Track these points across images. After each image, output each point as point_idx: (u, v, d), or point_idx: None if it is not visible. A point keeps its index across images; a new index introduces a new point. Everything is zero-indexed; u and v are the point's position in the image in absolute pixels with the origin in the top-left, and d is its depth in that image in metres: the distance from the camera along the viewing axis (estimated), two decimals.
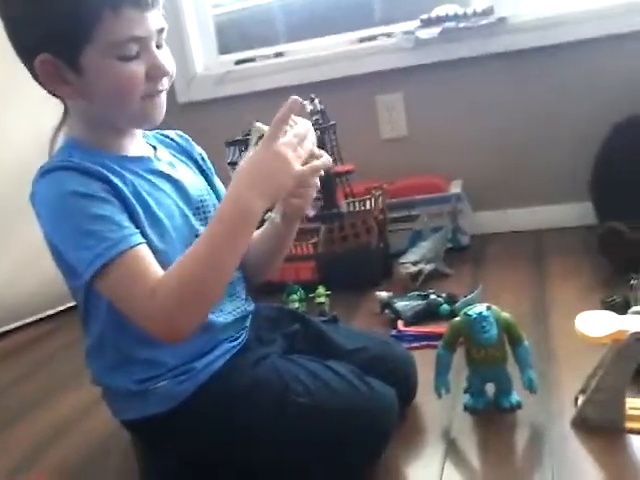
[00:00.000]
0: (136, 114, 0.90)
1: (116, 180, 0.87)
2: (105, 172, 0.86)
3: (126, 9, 0.82)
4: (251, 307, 1.06)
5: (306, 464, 0.92)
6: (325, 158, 0.92)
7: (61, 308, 1.95)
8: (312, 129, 0.91)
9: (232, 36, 2.38)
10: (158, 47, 0.89)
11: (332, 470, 0.93)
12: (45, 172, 0.87)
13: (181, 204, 0.95)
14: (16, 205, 1.78)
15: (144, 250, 0.85)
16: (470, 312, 1.04)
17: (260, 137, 0.90)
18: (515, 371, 1.06)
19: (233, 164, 1.76)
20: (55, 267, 0.91)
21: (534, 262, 1.75)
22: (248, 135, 0.92)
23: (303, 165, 0.88)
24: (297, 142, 0.87)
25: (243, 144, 1.76)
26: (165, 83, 0.90)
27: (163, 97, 0.91)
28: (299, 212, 0.99)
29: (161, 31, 0.88)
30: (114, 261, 0.82)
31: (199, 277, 0.82)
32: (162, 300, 0.81)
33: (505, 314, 1.06)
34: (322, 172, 0.93)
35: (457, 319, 1.08)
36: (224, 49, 2.34)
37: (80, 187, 0.83)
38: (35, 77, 0.88)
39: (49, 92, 0.90)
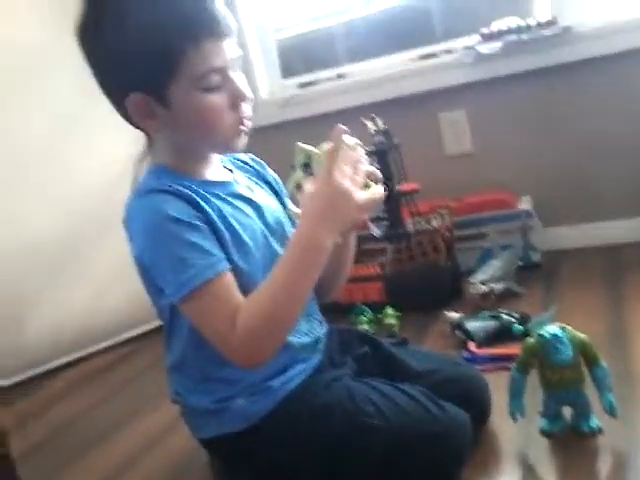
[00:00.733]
0: (221, 142, 0.95)
1: (205, 205, 0.91)
2: (195, 197, 0.90)
3: (206, 43, 0.86)
4: (325, 328, 1.07)
5: None
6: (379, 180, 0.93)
7: (143, 329, 2.00)
8: (360, 149, 0.92)
9: (295, 60, 2.42)
10: (236, 74, 0.92)
11: None
12: (140, 194, 0.91)
13: (262, 226, 0.98)
14: (92, 228, 1.89)
15: (229, 277, 0.89)
16: (544, 333, 1.02)
17: (306, 159, 0.92)
18: (594, 394, 1.02)
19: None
20: (136, 289, 0.95)
21: (610, 279, 1.68)
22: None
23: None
24: (352, 170, 0.88)
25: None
26: (247, 110, 0.93)
27: (248, 124, 0.94)
28: (355, 229, 0.99)
29: (237, 59, 0.92)
30: (200, 288, 0.86)
31: (276, 309, 0.86)
32: (241, 330, 0.85)
33: (580, 334, 1.03)
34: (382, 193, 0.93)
35: (530, 340, 1.05)
36: (287, 73, 2.38)
37: (174, 212, 0.87)
38: (123, 114, 0.92)
39: (135, 126, 0.94)
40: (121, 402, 1.62)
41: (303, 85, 2.31)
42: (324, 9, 2.34)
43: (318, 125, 2.20)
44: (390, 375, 1.04)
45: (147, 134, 0.98)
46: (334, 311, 1.13)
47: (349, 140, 0.90)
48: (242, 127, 0.93)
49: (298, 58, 2.42)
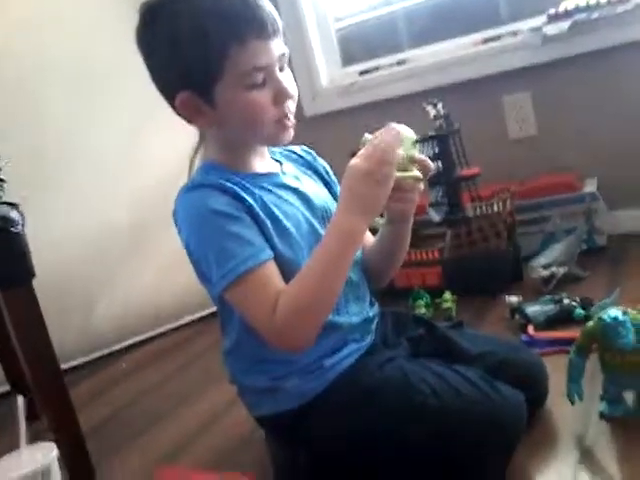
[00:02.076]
0: (266, 137, 0.98)
1: (248, 197, 0.94)
2: (238, 190, 0.93)
3: (251, 42, 0.89)
4: (376, 310, 1.09)
5: (429, 466, 0.93)
6: (424, 165, 0.93)
7: (204, 312, 2.09)
8: (403, 134, 0.90)
9: (355, 47, 2.42)
10: (281, 70, 0.95)
11: (456, 475, 0.93)
12: (188, 189, 0.96)
13: (307, 214, 1.00)
14: (157, 218, 1.98)
15: (271, 266, 0.91)
16: (604, 316, 1.00)
17: None
18: None
19: None
20: (193, 275, 0.99)
21: None
22: None
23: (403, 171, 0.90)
24: (373, 151, 0.87)
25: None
26: (291, 106, 0.96)
27: (292, 119, 0.97)
28: (403, 216, 1.00)
29: (282, 56, 0.94)
30: (243, 277, 0.89)
31: (314, 290, 0.88)
32: (280, 315, 0.87)
33: None
34: (420, 176, 0.93)
35: (590, 323, 1.04)
36: (348, 61, 2.39)
37: (218, 205, 0.91)
38: (175, 111, 0.96)
39: (187, 122, 0.98)
40: (181, 383, 1.69)
41: (363, 72, 2.31)
42: None
43: (379, 112, 2.22)
44: (445, 357, 1.04)
45: (200, 132, 1.02)
46: (392, 295, 1.14)
47: (401, 129, 0.90)
48: (286, 122, 0.96)
49: (359, 46, 2.42)
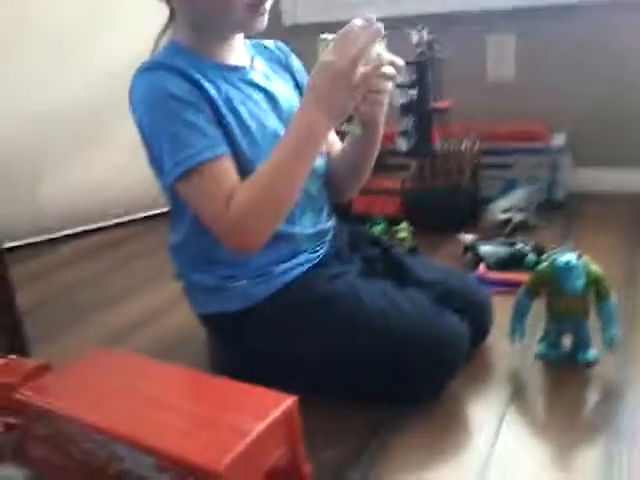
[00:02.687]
0: (238, 20, 0.90)
1: (211, 87, 0.88)
2: (200, 78, 0.88)
3: None
4: (332, 223, 1.06)
5: (368, 384, 0.93)
6: (390, 66, 0.86)
7: (154, 211, 2.03)
8: (375, 31, 0.83)
9: None
10: None
11: (393, 394, 0.93)
12: (146, 69, 0.89)
13: (272, 115, 0.96)
14: (118, 102, 1.88)
15: (226, 161, 0.87)
16: (558, 259, 1.00)
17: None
18: (596, 329, 1.02)
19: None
20: (149, 170, 0.94)
21: (631, 225, 1.65)
22: None
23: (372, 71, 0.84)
24: (344, 46, 0.82)
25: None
26: None
27: (266, 6, 0.90)
28: (373, 119, 0.95)
29: None
30: (195, 169, 0.85)
31: (270, 187, 0.85)
32: (234, 210, 0.84)
33: (595, 266, 1.01)
34: (388, 75, 0.87)
35: (544, 265, 1.04)
36: None
37: (176, 89, 0.85)
38: None
39: None
40: (125, 276, 1.66)
41: None
42: None
43: None
44: (397, 280, 1.04)
45: (170, 9, 0.95)
46: (349, 219, 1.12)
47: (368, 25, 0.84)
48: (260, 9, 0.89)
49: None
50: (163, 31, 0.97)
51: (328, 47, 0.85)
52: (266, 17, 0.91)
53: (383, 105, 0.92)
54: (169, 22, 0.97)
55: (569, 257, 1.00)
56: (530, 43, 1.98)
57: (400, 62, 0.87)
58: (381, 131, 0.98)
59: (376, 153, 1.02)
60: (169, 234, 1.04)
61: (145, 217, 2.05)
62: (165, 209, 1.91)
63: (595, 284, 1.01)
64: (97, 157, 1.97)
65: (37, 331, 1.27)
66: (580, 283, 0.98)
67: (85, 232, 1.99)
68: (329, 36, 0.86)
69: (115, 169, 1.98)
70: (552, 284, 1.02)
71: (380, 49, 0.85)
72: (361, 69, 0.82)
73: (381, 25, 0.84)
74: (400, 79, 0.90)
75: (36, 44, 1.82)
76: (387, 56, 0.86)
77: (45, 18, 1.83)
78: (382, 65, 0.85)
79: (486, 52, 2.04)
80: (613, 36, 1.88)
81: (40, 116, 1.85)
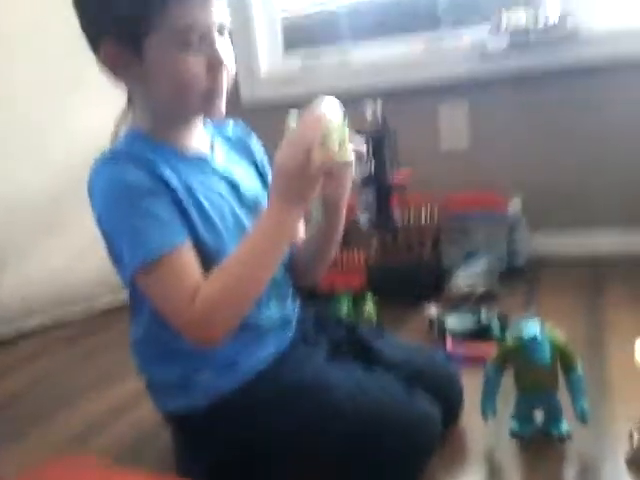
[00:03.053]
0: (194, 108, 0.90)
1: (172, 176, 0.87)
2: (162, 167, 0.87)
3: None
4: (297, 308, 1.05)
5: (340, 473, 0.90)
6: (352, 149, 0.86)
7: (115, 300, 1.96)
8: (330, 118, 0.84)
9: (298, 38, 2.38)
10: (220, 40, 0.88)
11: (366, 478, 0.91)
12: (105, 160, 0.88)
13: (234, 204, 0.95)
14: (77, 191, 1.86)
15: (187, 252, 0.86)
16: (522, 332, 1.00)
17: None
18: (566, 399, 1.01)
19: None
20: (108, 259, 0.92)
21: (591, 288, 1.68)
22: None
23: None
24: (298, 137, 0.83)
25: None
26: (224, 78, 0.89)
27: (223, 95, 0.90)
28: (336, 202, 0.95)
29: (223, 26, 0.88)
30: (157, 261, 0.83)
31: (237, 283, 0.84)
32: (199, 304, 0.82)
33: (560, 338, 1.01)
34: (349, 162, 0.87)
35: (509, 339, 1.04)
36: (289, 51, 2.35)
37: (135, 179, 0.84)
38: (101, 61, 0.88)
39: (113, 76, 0.90)
40: (87, 370, 1.59)
41: (305, 64, 2.27)
42: None
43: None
44: (364, 361, 1.02)
45: (128, 96, 0.94)
46: (314, 296, 1.12)
47: (329, 108, 0.85)
48: (216, 97, 0.89)
49: (302, 37, 2.39)
50: (122, 118, 0.97)
51: (294, 124, 0.86)
52: (223, 104, 0.91)
53: (346, 187, 0.93)
54: (127, 109, 0.96)
55: (533, 329, 1.00)
56: (481, 111, 2.05)
57: (362, 148, 0.88)
58: (343, 214, 0.98)
59: (339, 236, 1.02)
60: (130, 329, 1.01)
61: (107, 309, 2.00)
62: (121, 300, 1.91)
63: (561, 355, 1.01)
64: (57, 244, 1.93)
65: None
66: (546, 355, 0.98)
67: (45, 324, 1.92)
68: (297, 112, 0.86)
69: (75, 256, 1.94)
70: (519, 358, 1.01)
71: (342, 132, 0.85)
72: (319, 155, 0.82)
73: (333, 109, 0.85)
74: (359, 166, 0.90)
75: None
76: (350, 141, 0.86)
77: (10, 104, 1.82)
78: (340, 149, 0.84)
79: (439, 122, 2.10)
80: (562, 104, 1.95)
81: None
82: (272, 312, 0.98)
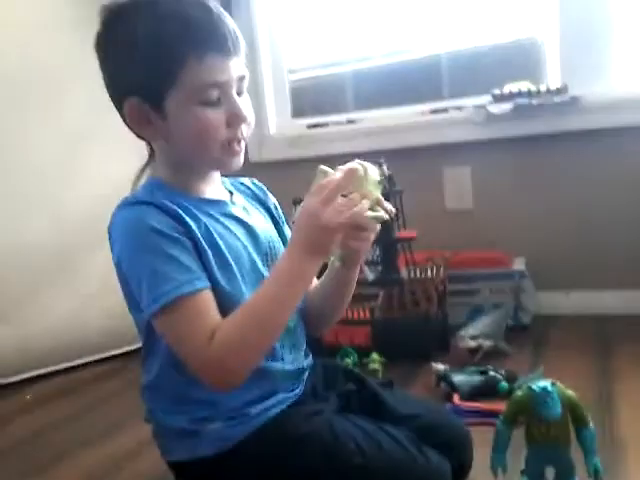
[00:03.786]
0: (215, 159, 0.93)
1: (190, 221, 0.89)
2: (181, 212, 0.89)
3: (209, 56, 0.86)
4: (310, 360, 1.05)
5: None
6: (381, 211, 0.88)
7: (124, 349, 1.97)
8: (366, 174, 0.86)
9: (305, 101, 2.45)
10: (239, 94, 0.91)
11: None
12: (126, 204, 0.90)
13: (250, 249, 0.96)
14: (89, 239, 1.87)
15: (207, 295, 0.86)
16: (534, 386, 1.00)
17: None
18: (578, 456, 0.99)
19: None
20: (118, 308, 0.93)
21: (599, 347, 1.68)
22: None
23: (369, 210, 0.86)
24: (327, 192, 0.84)
25: None
26: (244, 131, 0.92)
27: (242, 145, 0.94)
28: (356, 256, 0.96)
29: (242, 78, 0.91)
30: (176, 303, 0.84)
31: (254, 330, 0.84)
32: (216, 347, 0.83)
33: (570, 392, 1.01)
34: (380, 218, 0.89)
35: (519, 392, 1.03)
36: (297, 113, 2.41)
37: (156, 224, 0.86)
38: (124, 119, 0.92)
39: (136, 134, 0.94)
40: (90, 420, 1.57)
41: (311, 126, 2.33)
42: (338, 56, 2.40)
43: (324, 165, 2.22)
44: (374, 415, 1.01)
45: (149, 147, 0.98)
46: (319, 351, 1.11)
47: (367, 167, 0.87)
48: (236, 147, 0.92)
49: (309, 101, 2.46)
50: (143, 168, 0.99)
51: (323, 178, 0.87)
52: (242, 156, 0.94)
53: (368, 242, 0.93)
54: (148, 160, 0.99)
55: (543, 383, 0.99)
56: (485, 173, 2.09)
57: (392, 209, 0.90)
58: (358, 269, 1.00)
59: (352, 289, 1.03)
60: (142, 374, 1.00)
61: (112, 356, 1.99)
62: (130, 347, 1.91)
63: (572, 410, 0.99)
64: (67, 292, 1.93)
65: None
66: (557, 409, 0.97)
67: (49, 374, 1.90)
68: (329, 170, 0.88)
69: (81, 306, 1.94)
70: (530, 411, 1.00)
71: (377, 191, 0.88)
72: (360, 201, 0.84)
73: (370, 168, 0.88)
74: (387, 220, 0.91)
75: (13, 177, 1.85)
76: (383, 200, 0.88)
77: (25, 154, 1.86)
78: (375, 206, 0.87)
79: (443, 183, 2.14)
80: (564, 167, 2.00)
81: (8, 250, 1.83)
82: (286, 361, 0.98)
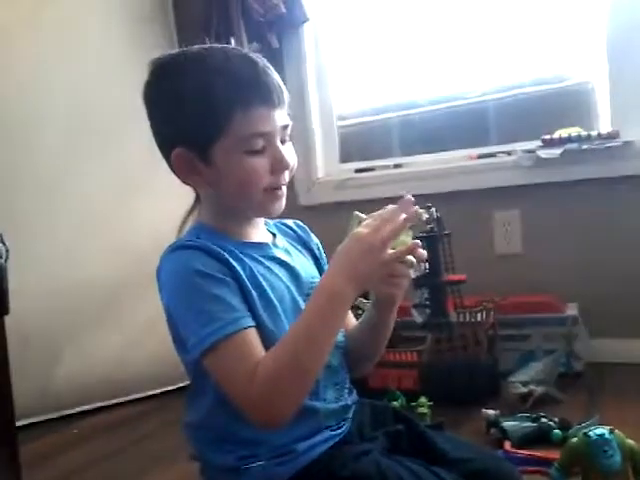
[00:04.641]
0: (258, 204, 0.95)
1: (235, 263, 0.91)
2: (226, 255, 0.90)
3: (255, 107, 0.89)
4: (354, 397, 1.04)
5: None
6: (418, 253, 0.88)
7: (166, 388, 1.99)
8: (401, 220, 0.86)
9: (353, 147, 2.48)
10: (282, 142, 0.94)
11: None
12: (174, 249, 0.93)
13: (293, 289, 0.97)
14: (136, 281, 1.92)
15: (252, 334, 0.87)
16: (590, 433, 0.97)
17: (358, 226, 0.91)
18: None
19: None
20: (163, 347, 0.95)
21: None
22: None
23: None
24: (379, 224, 0.85)
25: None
26: (287, 176, 0.95)
27: (284, 190, 0.96)
28: (390, 300, 0.96)
29: (286, 127, 0.94)
30: (222, 342, 0.85)
31: (294, 358, 0.84)
32: (260, 384, 0.83)
33: (631, 441, 0.97)
34: (414, 265, 0.89)
35: (575, 440, 1.00)
36: (344, 158, 2.44)
37: (202, 267, 0.88)
38: (171, 167, 0.96)
39: (182, 181, 0.97)
40: (135, 457, 1.59)
41: (359, 170, 2.36)
42: (385, 102, 2.43)
43: (370, 209, 2.22)
44: (422, 457, 0.98)
45: (195, 194, 1.01)
46: (366, 394, 1.10)
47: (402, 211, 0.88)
48: (278, 192, 0.95)
49: (356, 146, 2.49)
50: (189, 213, 1.02)
51: (360, 224, 0.89)
52: (284, 200, 0.97)
53: (402, 288, 0.94)
54: (194, 205, 1.02)
55: (601, 431, 0.96)
56: (535, 217, 2.07)
57: (424, 252, 0.90)
58: (395, 311, 0.99)
59: (389, 334, 1.03)
60: (186, 413, 1.01)
61: (154, 394, 2.02)
62: (172, 387, 1.92)
63: (632, 459, 0.96)
64: (114, 331, 1.98)
65: None
66: (617, 459, 0.94)
67: (94, 410, 1.94)
68: (362, 215, 0.90)
69: (129, 344, 1.98)
70: (586, 460, 0.97)
71: (409, 237, 0.89)
72: (389, 250, 0.85)
73: (416, 211, 0.89)
74: (421, 269, 0.92)
75: (64, 220, 1.92)
76: (412, 243, 0.89)
77: (74, 195, 1.94)
78: (408, 252, 0.88)
79: (493, 227, 2.13)
80: (617, 209, 1.96)
81: (61, 291, 1.89)
82: (329, 399, 0.97)
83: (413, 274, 0.93)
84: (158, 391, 2.01)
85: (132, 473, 1.46)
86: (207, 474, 0.99)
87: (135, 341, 1.97)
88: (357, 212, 0.92)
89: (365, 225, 0.87)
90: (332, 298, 0.86)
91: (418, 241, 0.90)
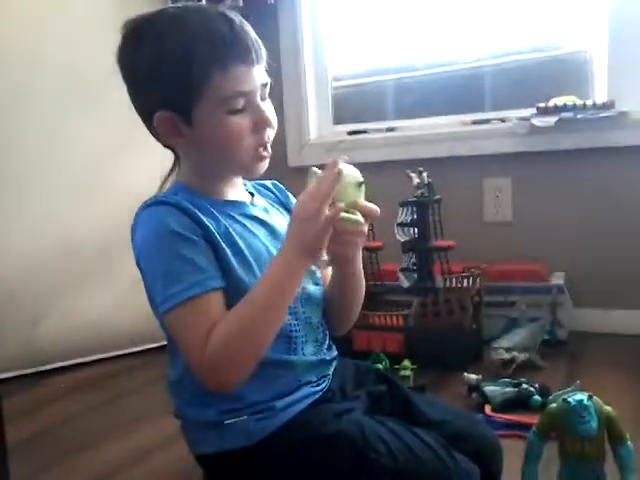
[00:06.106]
0: (241, 164, 0.95)
1: (210, 223, 0.91)
2: (201, 215, 0.90)
3: (233, 66, 0.88)
4: (334, 354, 1.04)
5: None
6: (364, 208, 0.88)
7: (151, 345, 2.01)
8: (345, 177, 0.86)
9: (347, 109, 2.46)
10: (262, 100, 0.94)
11: None
12: (148, 205, 0.93)
13: (271, 247, 0.97)
14: (122, 241, 1.92)
15: (215, 297, 0.88)
16: (569, 399, 0.98)
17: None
18: (614, 475, 0.97)
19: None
20: (148, 305, 0.95)
21: (636, 367, 1.63)
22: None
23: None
24: (313, 191, 0.86)
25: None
26: (270, 135, 0.95)
27: (269, 149, 0.95)
28: (345, 257, 0.96)
29: (265, 85, 0.93)
30: (182, 305, 0.85)
31: (245, 327, 0.85)
32: (210, 350, 0.84)
33: (608, 408, 0.98)
34: (358, 221, 0.89)
35: (554, 405, 1.01)
36: (338, 120, 2.42)
37: (176, 225, 0.88)
38: (152, 132, 0.95)
39: (163, 144, 0.97)
40: (119, 411, 1.61)
41: (352, 133, 2.34)
42: (381, 64, 2.40)
43: (363, 172, 2.21)
44: (404, 418, 1.00)
45: (175, 154, 1.00)
46: (351, 356, 1.11)
47: (345, 170, 0.87)
48: (263, 152, 0.94)
49: (350, 108, 2.47)
50: (168, 174, 1.02)
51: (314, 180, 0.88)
52: (267, 161, 0.96)
53: (352, 245, 0.94)
54: (173, 166, 1.02)
55: (580, 397, 0.97)
56: (526, 185, 2.07)
57: (373, 207, 0.90)
58: (357, 270, 1.00)
59: (358, 292, 1.03)
60: (168, 370, 1.02)
61: (141, 351, 2.03)
62: (157, 344, 1.94)
63: (609, 426, 0.97)
64: (100, 289, 1.99)
65: (23, 469, 1.22)
66: (593, 425, 0.95)
67: (78, 365, 1.95)
68: (319, 171, 0.89)
69: (115, 302, 1.99)
70: (564, 425, 0.98)
71: (356, 193, 0.88)
72: (330, 208, 0.85)
73: (350, 170, 0.88)
74: (366, 226, 0.92)
75: (52, 181, 1.92)
76: (361, 202, 0.89)
77: (63, 157, 1.93)
78: (353, 210, 0.87)
79: (483, 194, 2.12)
80: (609, 179, 1.96)
81: (47, 250, 1.90)
82: (308, 354, 0.98)
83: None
84: (143, 347, 2.03)
85: (115, 428, 1.47)
86: (187, 431, 1.00)
87: (120, 298, 1.97)
88: (314, 168, 0.91)
89: (304, 192, 0.87)
90: (284, 269, 0.87)
91: (367, 204, 0.89)
